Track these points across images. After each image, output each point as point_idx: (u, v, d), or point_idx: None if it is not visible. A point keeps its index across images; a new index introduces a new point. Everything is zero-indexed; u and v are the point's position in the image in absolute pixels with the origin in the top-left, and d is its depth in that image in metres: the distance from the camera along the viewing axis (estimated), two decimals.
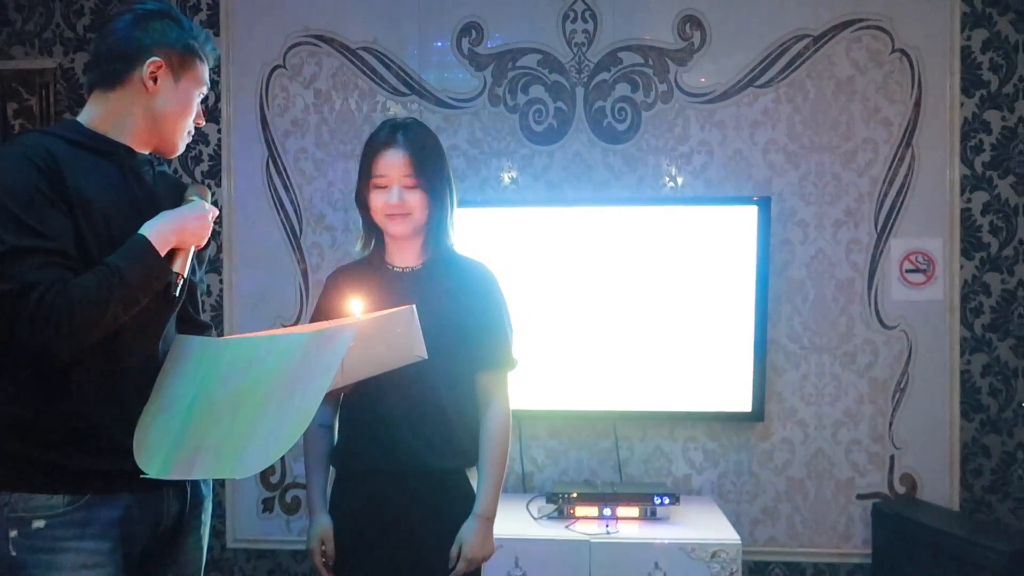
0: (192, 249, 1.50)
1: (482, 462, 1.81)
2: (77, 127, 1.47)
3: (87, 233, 1.37)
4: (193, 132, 1.59)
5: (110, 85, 1.48)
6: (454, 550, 1.76)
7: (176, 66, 1.49)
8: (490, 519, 1.81)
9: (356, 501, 1.80)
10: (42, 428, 1.38)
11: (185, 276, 1.47)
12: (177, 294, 1.46)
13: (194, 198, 1.53)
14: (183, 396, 1.39)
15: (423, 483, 1.76)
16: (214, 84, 3.05)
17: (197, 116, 1.57)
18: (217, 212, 1.57)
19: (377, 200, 1.78)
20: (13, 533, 1.36)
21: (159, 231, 1.42)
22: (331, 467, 1.85)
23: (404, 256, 1.85)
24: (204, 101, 1.60)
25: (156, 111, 1.49)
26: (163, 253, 1.42)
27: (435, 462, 1.76)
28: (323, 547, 1.78)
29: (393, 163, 1.77)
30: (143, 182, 1.51)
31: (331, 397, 1.75)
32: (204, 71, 1.55)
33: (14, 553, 1.36)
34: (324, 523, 1.79)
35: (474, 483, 1.83)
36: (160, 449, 1.34)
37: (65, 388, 1.37)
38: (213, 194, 3.04)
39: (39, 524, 1.36)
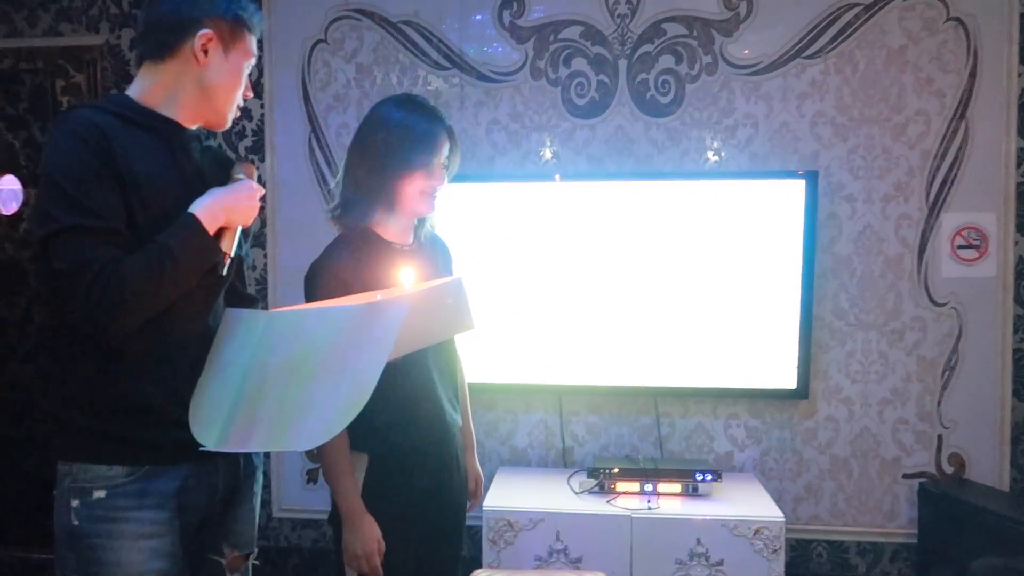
0: (239, 228, 1.49)
1: (464, 408, 2.07)
2: (127, 101, 1.46)
3: (137, 210, 1.37)
4: (242, 105, 1.58)
5: (160, 57, 1.46)
6: (473, 484, 2.07)
7: (226, 38, 1.48)
8: None
9: (400, 481, 1.80)
10: (100, 401, 1.40)
11: (232, 255, 1.47)
12: (224, 273, 1.46)
13: (241, 176, 1.52)
14: (236, 369, 1.40)
15: (457, 448, 1.96)
16: (256, 59, 3.06)
17: (246, 88, 1.55)
18: (264, 191, 1.56)
19: (427, 182, 1.85)
20: (75, 503, 1.39)
21: (209, 209, 1.41)
22: (363, 452, 1.81)
23: (403, 233, 1.92)
24: (249, 75, 1.59)
25: (207, 83, 1.48)
26: (212, 232, 1.42)
27: (458, 421, 1.97)
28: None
29: (446, 148, 1.90)
30: (191, 158, 1.50)
31: None
32: (252, 42, 1.54)
33: (76, 522, 1.38)
34: (375, 525, 1.77)
35: None
36: (216, 422, 1.35)
37: (119, 363, 1.39)
38: (258, 169, 3.07)
39: (100, 494, 1.38)
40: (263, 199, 3.04)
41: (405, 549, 1.80)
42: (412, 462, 1.82)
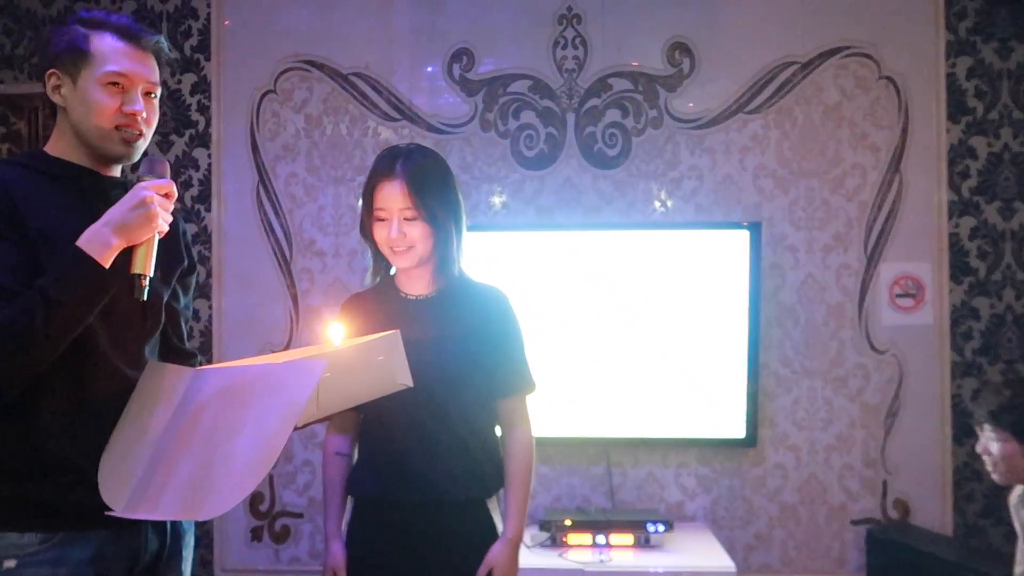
0: (155, 241, 1.35)
1: (508, 486, 1.80)
2: (39, 155, 1.44)
3: (46, 262, 1.30)
4: (135, 128, 1.41)
5: (53, 111, 1.46)
6: (483, 572, 1.73)
7: (69, 68, 1.40)
8: (518, 542, 1.80)
9: (374, 531, 1.76)
10: (9, 461, 1.32)
11: (150, 275, 1.34)
12: (144, 297, 1.35)
13: (146, 178, 1.38)
14: (152, 427, 1.32)
15: (443, 514, 1.73)
16: (204, 108, 3.05)
17: (126, 103, 1.40)
18: (169, 184, 1.38)
19: (380, 233, 1.73)
20: None
21: (95, 235, 1.30)
22: (349, 496, 1.84)
23: (415, 284, 1.82)
24: (162, 97, 1.47)
25: (73, 124, 1.41)
26: (107, 257, 1.29)
27: (456, 494, 1.73)
28: None
29: (391, 195, 1.70)
30: (111, 204, 1.40)
31: (347, 425, 1.83)
32: (103, 52, 1.39)
33: None
34: (338, 552, 1.77)
35: (494, 512, 1.81)
36: (128, 483, 1.27)
37: (32, 419, 1.31)
38: (201, 219, 3.04)
39: (10, 564, 1.30)
40: (208, 247, 3.00)
41: None
42: (384, 515, 1.75)
